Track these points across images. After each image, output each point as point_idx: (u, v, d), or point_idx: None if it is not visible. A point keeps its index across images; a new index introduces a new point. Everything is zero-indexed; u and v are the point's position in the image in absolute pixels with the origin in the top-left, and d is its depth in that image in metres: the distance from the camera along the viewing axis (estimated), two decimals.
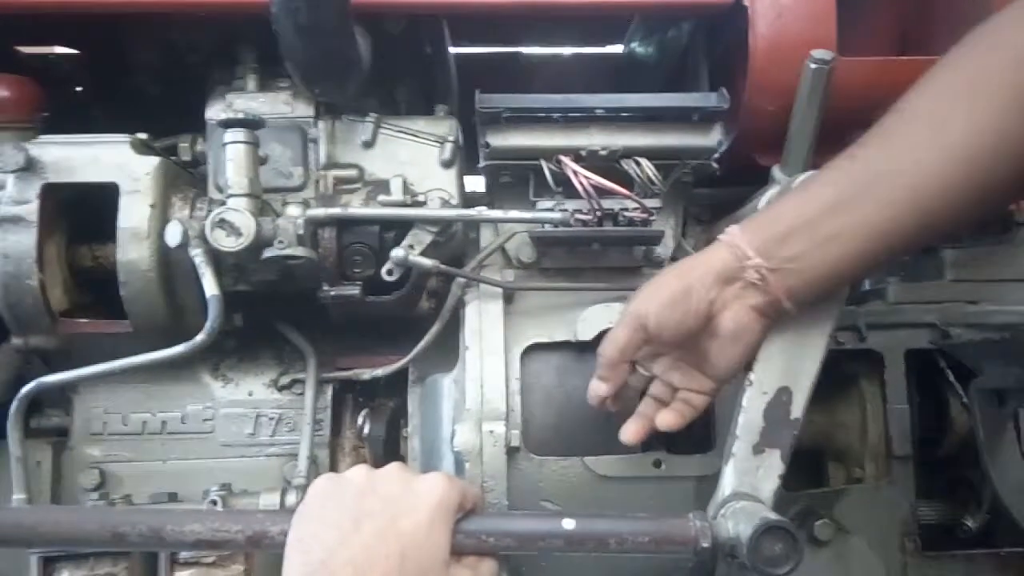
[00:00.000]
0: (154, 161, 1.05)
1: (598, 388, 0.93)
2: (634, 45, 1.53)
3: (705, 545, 0.78)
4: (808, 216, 0.83)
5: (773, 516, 0.78)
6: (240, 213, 0.99)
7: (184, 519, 0.79)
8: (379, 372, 1.20)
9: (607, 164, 1.05)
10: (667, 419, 0.92)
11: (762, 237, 0.84)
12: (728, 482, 0.87)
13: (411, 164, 1.13)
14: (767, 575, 0.75)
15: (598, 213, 1.04)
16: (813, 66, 0.98)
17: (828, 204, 0.82)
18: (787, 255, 0.83)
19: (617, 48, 1.63)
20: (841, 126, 1.01)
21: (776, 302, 0.85)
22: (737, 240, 0.85)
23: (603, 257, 1.13)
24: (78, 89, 1.41)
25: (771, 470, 0.87)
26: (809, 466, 1.25)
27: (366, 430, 1.19)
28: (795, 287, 0.84)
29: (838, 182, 0.83)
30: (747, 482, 0.86)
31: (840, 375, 1.21)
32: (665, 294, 0.87)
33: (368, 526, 0.73)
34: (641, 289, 0.91)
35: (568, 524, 0.79)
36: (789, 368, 0.89)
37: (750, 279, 0.84)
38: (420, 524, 0.74)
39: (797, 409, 0.88)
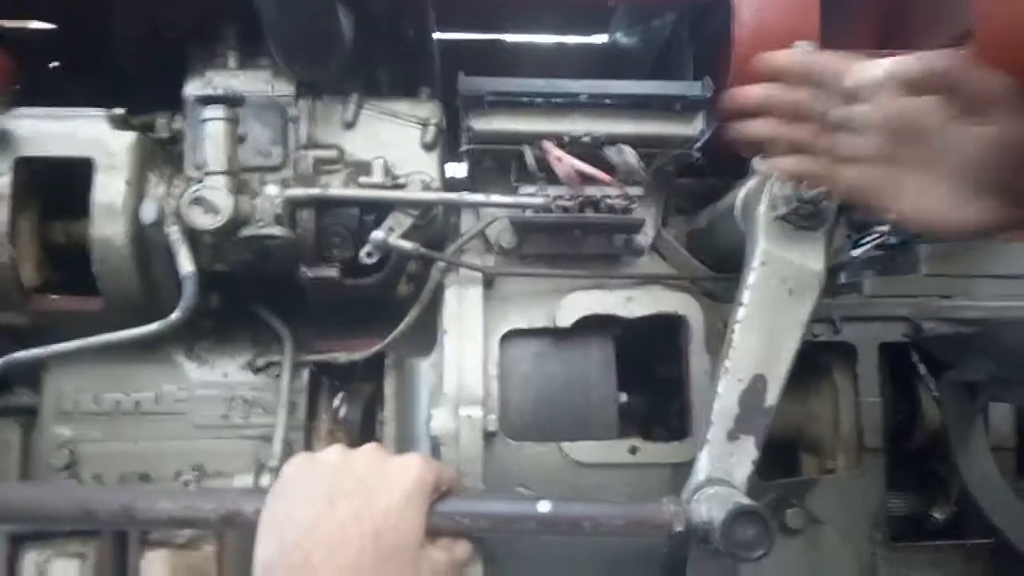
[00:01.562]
0: (131, 137, 1.04)
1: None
2: (618, 34, 1.53)
3: (679, 529, 0.79)
4: None
5: (746, 501, 0.78)
6: (217, 191, 0.98)
7: (156, 497, 0.78)
8: (356, 356, 1.19)
9: (590, 151, 1.05)
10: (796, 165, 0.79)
11: None
12: (703, 467, 0.88)
13: (392, 146, 1.13)
14: (740, 559, 0.76)
15: (579, 200, 1.04)
16: None
17: None
18: None
19: (602, 37, 1.63)
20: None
21: None
22: None
23: (583, 244, 1.13)
24: (54, 64, 1.38)
25: (745, 456, 0.88)
26: (783, 457, 1.26)
27: (342, 413, 1.18)
28: None
29: None
30: (721, 468, 0.87)
31: (814, 367, 1.22)
32: None
33: (343, 506, 0.72)
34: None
35: (543, 507, 0.79)
36: (765, 356, 0.90)
37: None
38: (395, 504, 0.74)
39: (771, 397, 0.89)
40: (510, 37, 1.68)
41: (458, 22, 1.57)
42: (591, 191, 1.04)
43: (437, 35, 1.27)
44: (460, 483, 0.95)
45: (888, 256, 1.30)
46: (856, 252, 1.39)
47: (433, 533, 0.77)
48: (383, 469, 0.77)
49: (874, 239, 1.38)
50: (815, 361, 1.22)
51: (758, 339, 0.90)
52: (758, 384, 0.89)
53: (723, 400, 0.89)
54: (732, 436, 0.88)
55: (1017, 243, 1.24)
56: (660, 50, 1.33)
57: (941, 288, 1.21)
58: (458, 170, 1.34)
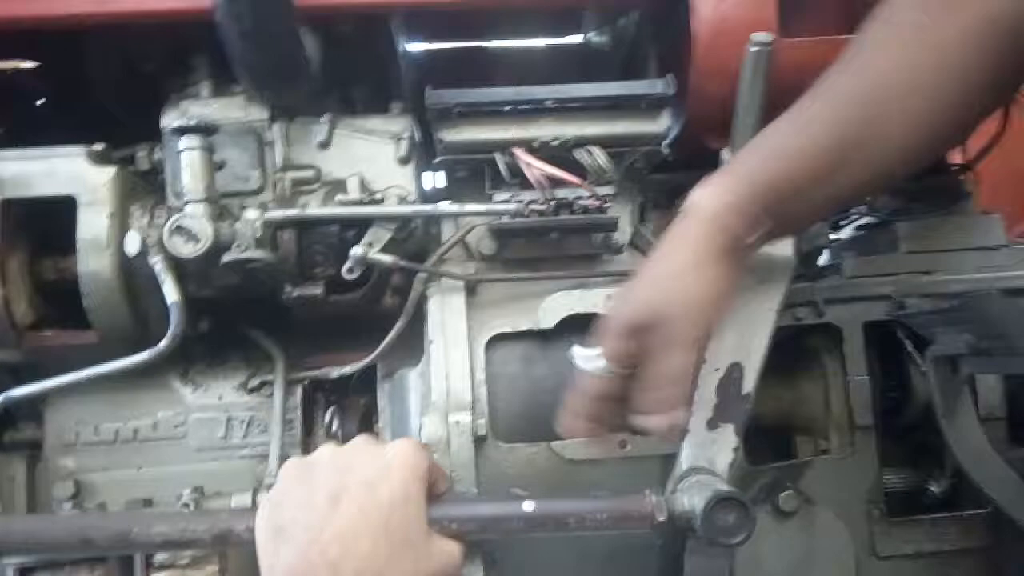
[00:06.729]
0: (111, 171, 1.06)
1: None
2: (591, 35, 1.55)
3: (661, 519, 0.80)
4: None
5: (725, 488, 0.80)
6: (197, 219, 1.00)
7: (151, 521, 0.81)
8: (347, 370, 1.21)
9: (560, 154, 1.07)
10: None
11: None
12: (685, 457, 0.89)
13: (368, 162, 1.14)
14: (720, 545, 0.77)
15: (552, 203, 1.06)
16: (754, 49, 1.00)
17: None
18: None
19: (577, 38, 1.65)
20: (787, 105, 1.03)
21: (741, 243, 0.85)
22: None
23: (562, 246, 1.14)
24: (38, 103, 1.41)
25: (726, 444, 0.89)
26: (778, 441, 1.28)
27: (334, 427, 1.21)
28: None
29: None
30: (703, 456, 0.89)
31: (801, 350, 1.23)
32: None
33: (347, 501, 0.74)
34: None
35: (528, 506, 0.81)
36: (740, 344, 0.92)
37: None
38: (396, 491, 0.76)
39: (749, 384, 0.91)
40: (488, 43, 1.69)
41: (430, 33, 1.59)
42: (563, 194, 1.05)
43: (409, 47, 1.29)
44: (451, 480, 0.96)
45: (867, 236, 1.31)
46: (835, 235, 1.40)
47: None
48: (377, 458, 0.79)
49: (853, 221, 1.40)
50: (802, 344, 1.23)
51: (732, 329, 0.92)
52: (734, 373, 0.91)
53: (701, 390, 0.91)
54: (712, 425, 0.90)
55: (992, 215, 1.25)
56: (629, 49, 1.34)
57: (921, 264, 1.22)
58: (440, 179, 1.37)
